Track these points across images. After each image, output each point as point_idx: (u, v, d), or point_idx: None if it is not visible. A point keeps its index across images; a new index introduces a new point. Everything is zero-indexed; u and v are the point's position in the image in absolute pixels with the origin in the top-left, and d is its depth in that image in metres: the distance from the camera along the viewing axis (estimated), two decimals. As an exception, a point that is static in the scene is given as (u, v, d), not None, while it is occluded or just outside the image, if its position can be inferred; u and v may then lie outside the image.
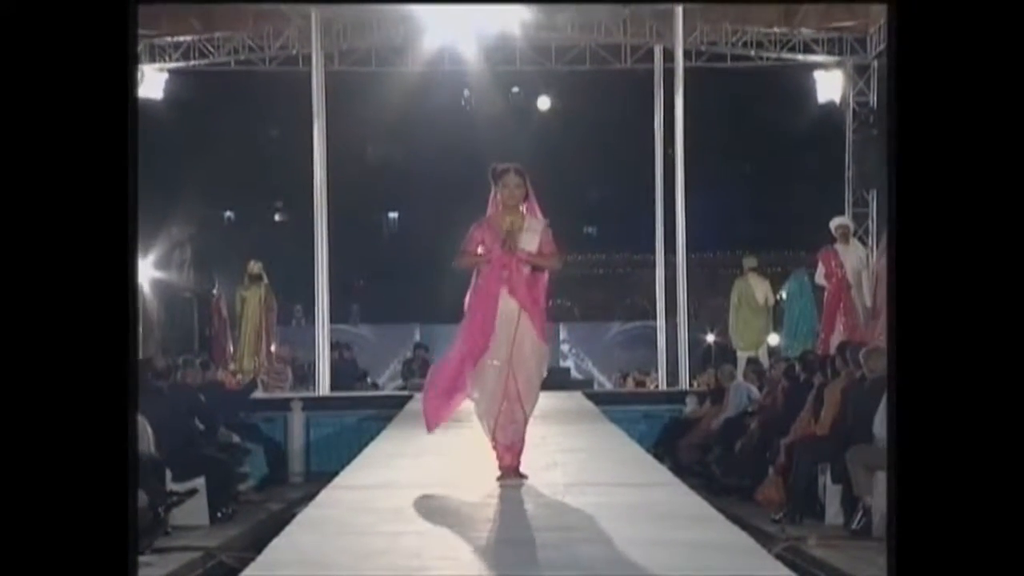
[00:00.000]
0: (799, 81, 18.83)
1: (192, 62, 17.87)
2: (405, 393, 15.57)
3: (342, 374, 18.61)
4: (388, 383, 20.96)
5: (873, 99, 18.10)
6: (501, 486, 6.65)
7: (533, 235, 6.81)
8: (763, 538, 7.75)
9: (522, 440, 6.90)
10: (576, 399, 12.82)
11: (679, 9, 16.46)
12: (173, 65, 17.79)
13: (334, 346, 19.51)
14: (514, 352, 6.77)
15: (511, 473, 6.81)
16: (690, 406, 14.32)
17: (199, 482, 9.99)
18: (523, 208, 6.84)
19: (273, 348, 16.14)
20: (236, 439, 12.04)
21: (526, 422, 6.89)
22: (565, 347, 25.52)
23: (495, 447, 6.86)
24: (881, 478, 8.42)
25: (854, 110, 18.22)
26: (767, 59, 18.01)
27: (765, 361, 14.74)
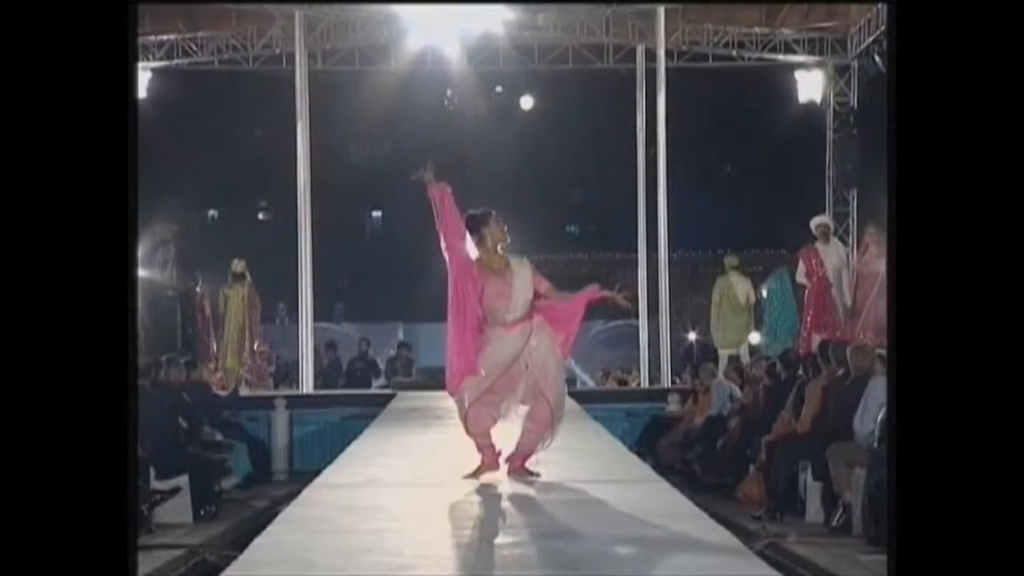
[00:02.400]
0: (780, 81, 18.90)
1: (176, 61, 17.85)
2: (388, 391, 15.59)
3: (362, 375, 18.80)
4: (372, 381, 20.96)
5: (853, 99, 18.20)
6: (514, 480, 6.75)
7: (524, 269, 6.87)
8: (744, 535, 7.81)
9: (533, 443, 6.94)
10: (559, 397, 12.81)
11: (661, 9, 16.55)
12: (157, 64, 17.76)
13: (355, 347, 19.70)
14: (536, 373, 6.84)
15: (520, 470, 6.88)
16: (672, 404, 14.33)
17: (182, 480, 9.98)
18: (499, 248, 6.89)
19: (256, 346, 16.13)
20: (219, 437, 12.02)
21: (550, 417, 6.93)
22: (547, 346, 25.43)
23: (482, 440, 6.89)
24: (861, 475, 8.48)
25: (835, 110, 18.30)
26: (748, 59, 18.08)
27: (746, 359, 14.79)
